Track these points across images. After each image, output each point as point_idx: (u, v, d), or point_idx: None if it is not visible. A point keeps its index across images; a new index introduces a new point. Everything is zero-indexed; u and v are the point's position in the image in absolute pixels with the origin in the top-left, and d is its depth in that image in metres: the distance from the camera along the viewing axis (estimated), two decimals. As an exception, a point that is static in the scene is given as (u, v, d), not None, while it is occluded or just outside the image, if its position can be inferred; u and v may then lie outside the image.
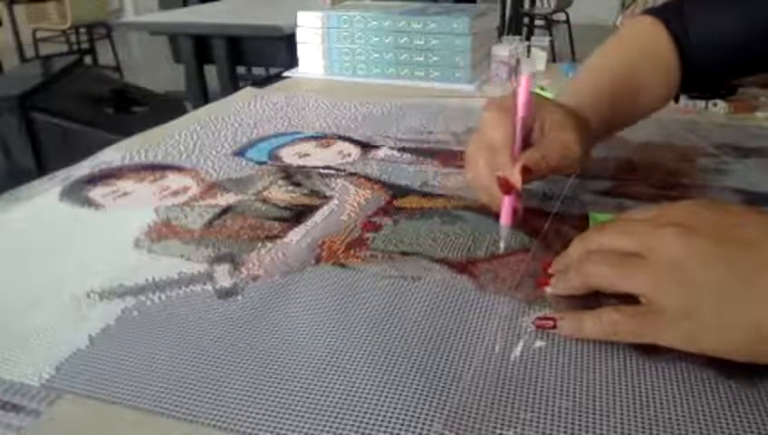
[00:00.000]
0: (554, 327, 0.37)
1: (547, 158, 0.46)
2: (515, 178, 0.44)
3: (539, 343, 0.37)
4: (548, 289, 0.41)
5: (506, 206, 0.46)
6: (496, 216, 0.47)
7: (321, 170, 0.63)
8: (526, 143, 0.47)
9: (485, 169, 0.46)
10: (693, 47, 0.57)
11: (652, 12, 0.60)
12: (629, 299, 0.36)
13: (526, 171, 0.44)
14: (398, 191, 0.57)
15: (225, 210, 0.54)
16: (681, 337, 0.34)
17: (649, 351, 0.35)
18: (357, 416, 0.31)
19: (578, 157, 0.47)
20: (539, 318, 0.38)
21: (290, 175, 0.62)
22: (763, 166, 0.62)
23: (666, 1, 0.61)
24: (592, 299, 0.39)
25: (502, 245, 0.47)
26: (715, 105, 0.79)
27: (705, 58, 0.57)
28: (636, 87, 0.57)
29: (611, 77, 0.57)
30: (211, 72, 2.49)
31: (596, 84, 0.57)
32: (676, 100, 0.62)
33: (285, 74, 1.06)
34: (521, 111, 0.45)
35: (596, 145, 0.55)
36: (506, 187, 0.45)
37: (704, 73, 0.59)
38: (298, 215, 0.53)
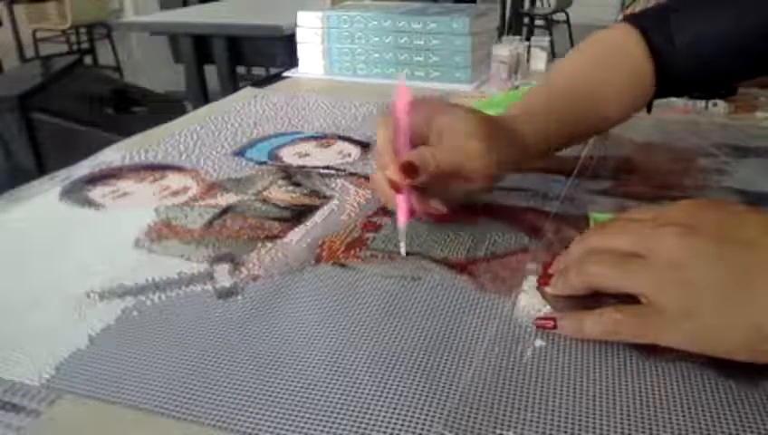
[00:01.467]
0: (554, 327, 0.37)
1: (438, 157, 0.45)
2: (395, 175, 0.45)
3: (539, 343, 0.37)
4: (548, 289, 0.41)
5: (400, 205, 0.46)
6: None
7: (321, 170, 0.63)
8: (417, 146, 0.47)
9: (379, 172, 0.48)
10: (675, 52, 0.55)
11: (630, 19, 0.58)
12: (629, 299, 0.36)
13: (410, 169, 0.45)
14: (398, 191, 0.57)
15: (225, 210, 0.54)
16: (681, 337, 0.34)
17: (650, 351, 0.35)
18: (357, 416, 0.31)
19: (485, 163, 0.46)
20: (539, 318, 0.38)
21: (290, 175, 0.62)
22: (763, 166, 0.62)
23: (646, 7, 0.60)
24: (592, 299, 0.39)
25: (402, 247, 0.46)
26: (715, 105, 0.79)
27: (689, 63, 0.56)
28: (597, 95, 0.56)
29: (569, 86, 0.56)
30: (211, 72, 2.49)
31: (552, 93, 0.56)
32: (649, 109, 0.61)
33: (285, 74, 1.06)
34: (398, 113, 0.46)
35: (553, 152, 0.55)
36: (394, 185, 0.45)
37: (687, 78, 0.57)
38: (298, 215, 0.53)
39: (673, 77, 0.57)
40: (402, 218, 0.46)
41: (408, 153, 0.45)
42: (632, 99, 0.58)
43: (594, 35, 0.60)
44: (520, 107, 0.53)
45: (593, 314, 0.36)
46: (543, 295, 0.41)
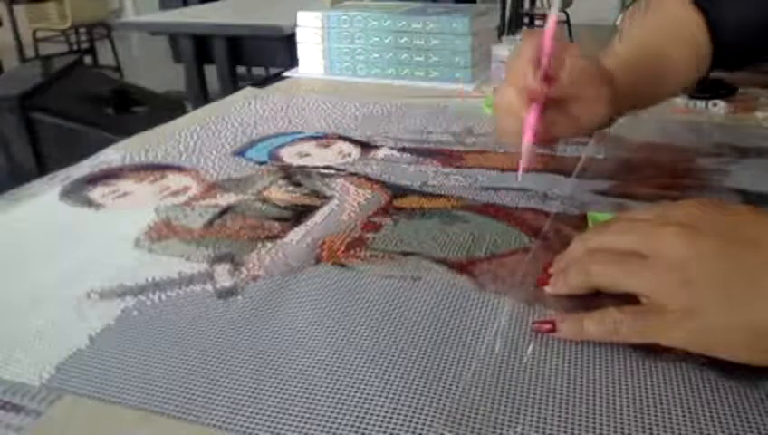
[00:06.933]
0: (554, 330, 0.37)
1: (568, 70, 0.47)
2: (536, 84, 0.46)
3: (539, 343, 0.37)
4: (548, 289, 0.41)
5: (529, 119, 0.47)
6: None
7: (322, 170, 0.63)
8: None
9: (509, 87, 0.48)
10: (724, 21, 0.56)
11: None
12: (629, 299, 0.36)
13: (549, 79, 0.46)
14: (398, 191, 0.57)
15: (225, 210, 0.54)
16: (683, 337, 0.34)
17: (650, 351, 0.35)
18: (357, 416, 0.31)
19: (602, 94, 0.49)
20: (537, 322, 0.38)
21: (290, 175, 0.62)
22: (763, 166, 0.62)
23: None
24: (592, 299, 0.39)
25: (521, 167, 0.48)
26: (714, 105, 0.79)
27: (738, 33, 0.57)
28: (663, 59, 0.57)
29: (638, 48, 0.58)
30: (211, 72, 2.49)
31: (625, 59, 0.57)
32: (704, 81, 0.62)
33: (285, 74, 1.06)
34: (546, 36, 0.47)
35: (624, 114, 0.56)
36: (532, 94, 0.46)
37: (738, 48, 0.58)
38: (298, 215, 0.53)
39: (722, 47, 0.57)
40: (529, 133, 0.47)
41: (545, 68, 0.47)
42: (690, 65, 0.59)
43: (654, 7, 0.61)
44: (608, 66, 0.55)
45: (593, 315, 0.36)
46: (543, 295, 0.41)
